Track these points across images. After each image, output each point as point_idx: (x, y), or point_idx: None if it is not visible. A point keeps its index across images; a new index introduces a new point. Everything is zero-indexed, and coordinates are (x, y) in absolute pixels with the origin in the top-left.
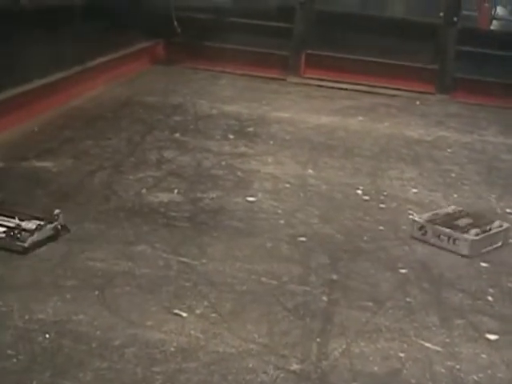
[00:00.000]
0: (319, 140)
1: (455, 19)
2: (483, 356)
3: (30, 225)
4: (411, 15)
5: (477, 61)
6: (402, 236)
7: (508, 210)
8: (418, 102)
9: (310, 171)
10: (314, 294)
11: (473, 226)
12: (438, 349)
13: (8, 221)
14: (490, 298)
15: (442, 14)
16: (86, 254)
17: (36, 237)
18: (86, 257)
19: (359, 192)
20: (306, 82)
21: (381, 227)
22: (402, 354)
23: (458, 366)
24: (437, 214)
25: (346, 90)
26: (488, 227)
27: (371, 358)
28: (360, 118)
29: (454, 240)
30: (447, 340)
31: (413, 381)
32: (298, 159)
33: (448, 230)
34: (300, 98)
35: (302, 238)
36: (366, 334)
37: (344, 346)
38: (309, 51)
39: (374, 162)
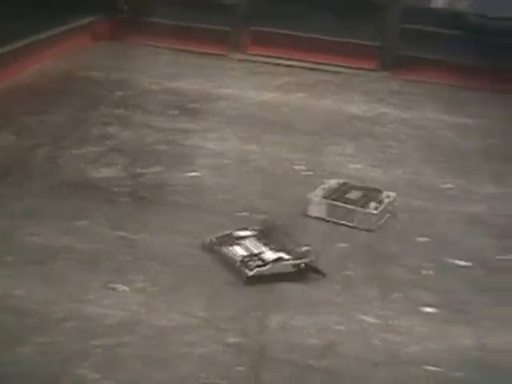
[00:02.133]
0: (262, 116)
1: None
2: (419, 328)
3: None
4: None
5: (419, 38)
6: None
7: (448, 186)
8: (359, 79)
9: (253, 147)
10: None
11: (366, 199)
12: (376, 321)
13: None
14: (430, 272)
15: None
16: (27, 229)
17: None
18: (27, 232)
19: (300, 167)
20: (249, 58)
21: None
22: (339, 327)
23: (394, 339)
24: (326, 190)
25: (290, 66)
26: (380, 199)
27: (309, 331)
28: (302, 95)
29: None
30: (385, 313)
31: (350, 353)
32: (241, 135)
33: (350, 207)
34: (244, 75)
35: (243, 213)
36: (305, 308)
37: (282, 320)
38: (253, 28)
39: (315, 138)
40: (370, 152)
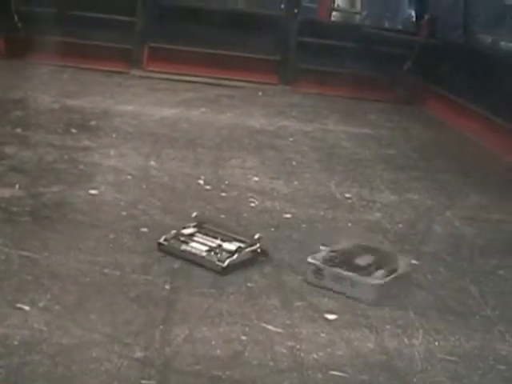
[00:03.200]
0: (162, 132)
1: (296, 11)
2: (323, 335)
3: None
4: (253, 8)
5: (318, 51)
6: (243, 223)
7: (347, 195)
8: (260, 93)
9: (153, 163)
10: (157, 282)
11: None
12: (279, 330)
13: None
14: None
15: (282, 6)
16: None
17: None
18: None
19: (201, 182)
20: (149, 75)
21: (222, 215)
22: (243, 337)
23: (298, 346)
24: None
25: (190, 82)
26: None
27: (214, 342)
28: (203, 110)
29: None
30: (288, 321)
31: (255, 362)
32: (141, 151)
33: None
34: (143, 91)
35: (145, 229)
36: (209, 319)
37: (187, 332)
38: (152, 44)
39: (216, 152)
40: (270, 164)
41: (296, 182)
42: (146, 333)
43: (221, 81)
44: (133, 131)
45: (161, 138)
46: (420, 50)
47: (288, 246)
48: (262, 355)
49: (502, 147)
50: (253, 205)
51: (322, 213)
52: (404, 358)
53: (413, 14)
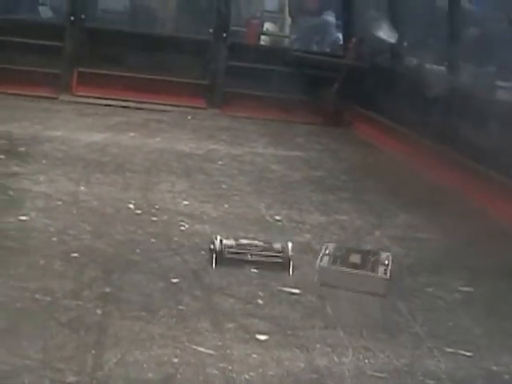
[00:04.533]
0: (92, 157)
1: (224, 35)
2: (254, 356)
3: None
4: (182, 32)
5: (247, 75)
6: (173, 247)
7: (277, 217)
8: (189, 117)
9: (83, 188)
10: (88, 307)
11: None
12: (211, 352)
13: None
14: (262, 301)
15: (211, 31)
16: None
17: None
18: None
19: (131, 206)
20: (78, 100)
21: (153, 239)
22: (175, 360)
23: (230, 367)
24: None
25: (119, 107)
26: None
27: (145, 366)
28: (132, 134)
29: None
30: (219, 343)
31: None
32: (71, 176)
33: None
34: (72, 116)
35: (75, 254)
36: (140, 343)
37: (119, 356)
38: (80, 69)
39: (145, 177)
40: (200, 188)
41: (226, 205)
42: (77, 357)
43: (150, 105)
44: (62, 156)
45: (90, 162)
46: (347, 73)
47: (218, 269)
48: (195, 377)
49: (429, 168)
50: (183, 228)
51: (252, 235)
52: (334, 376)
53: (340, 37)
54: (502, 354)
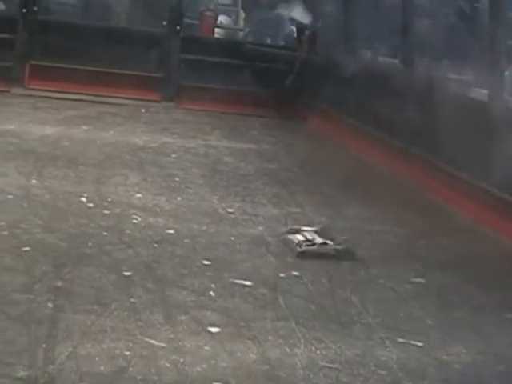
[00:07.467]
0: (43, 151)
1: (178, 28)
2: (206, 348)
3: None
4: (135, 25)
5: (200, 68)
6: (126, 240)
7: (230, 210)
8: (143, 110)
9: (34, 181)
10: (39, 301)
11: None
12: (163, 345)
13: None
14: (214, 293)
15: (165, 23)
16: None
17: None
18: None
19: (83, 200)
20: (30, 93)
21: (105, 233)
22: (127, 353)
23: (182, 360)
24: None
25: (72, 100)
26: None
27: (97, 359)
28: (85, 128)
29: None
30: (171, 336)
31: (139, 377)
32: (22, 170)
33: None
34: (25, 110)
35: (26, 248)
36: (92, 336)
37: (70, 349)
38: (33, 62)
39: (98, 170)
40: (153, 181)
41: (179, 198)
42: (28, 352)
43: (103, 98)
44: (14, 150)
45: (42, 156)
46: (301, 66)
47: (171, 261)
48: (147, 370)
49: (382, 160)
50: (135, 221)
51: (204, 228)
52: (286, 367)
53: (294, 30)
54: (452, 344)
